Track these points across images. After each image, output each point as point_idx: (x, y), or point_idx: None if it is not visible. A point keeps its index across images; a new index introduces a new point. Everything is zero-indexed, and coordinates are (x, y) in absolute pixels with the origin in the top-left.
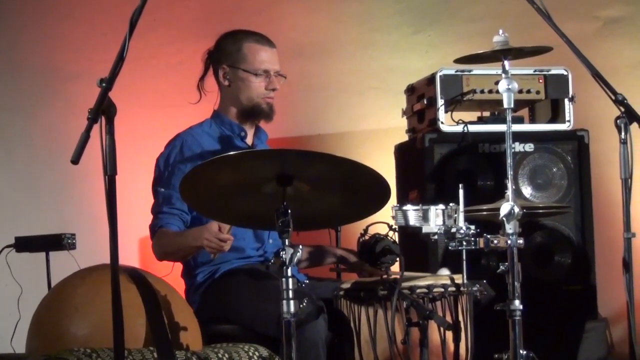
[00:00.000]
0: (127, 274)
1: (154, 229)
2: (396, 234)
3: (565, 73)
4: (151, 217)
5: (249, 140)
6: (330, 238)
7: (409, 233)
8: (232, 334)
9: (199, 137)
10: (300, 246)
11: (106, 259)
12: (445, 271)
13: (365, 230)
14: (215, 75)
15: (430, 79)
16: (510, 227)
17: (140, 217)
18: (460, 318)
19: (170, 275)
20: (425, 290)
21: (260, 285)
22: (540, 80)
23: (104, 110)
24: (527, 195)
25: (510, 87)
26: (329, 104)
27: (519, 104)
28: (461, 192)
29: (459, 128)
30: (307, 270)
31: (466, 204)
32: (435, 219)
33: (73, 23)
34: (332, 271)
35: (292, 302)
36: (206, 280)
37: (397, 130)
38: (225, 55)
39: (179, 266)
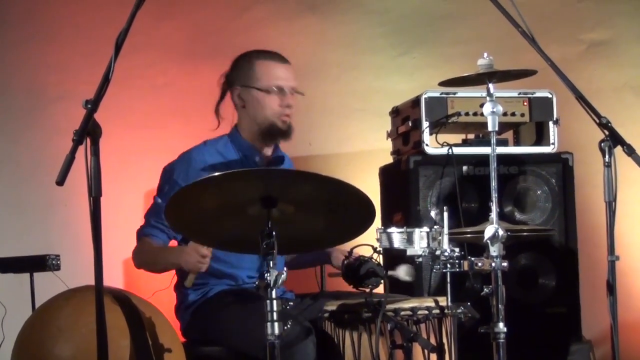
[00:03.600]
0: (111, 295)
1: (140, 235)
2: (380, 256)
3: (550, 96)
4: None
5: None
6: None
7: (393, 255)
8: (219, 356)
9: (208, 156)
10: (285, 269)
11: (91, 280)
12: (404, 269)
13: (350, 253)
14: (231, 97)
15: (415, 101)
16: (494, 250)
17: (125, 238)
18: (445, 340)
19: (153, 297)
20: (409, 312)
21: (251, 307)
22: (525, 103)
23: (89, 131)
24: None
25: (494, 109)
26: (313, 126)
27: (503, 127)
28: (445, 214)
29: (443, 150)
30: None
31: (450, 227)
32: (419, 242)
33: (58, 45)
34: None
35: (276, 324)
36: (198, 299)
37: (382, 152)
38: (239, 76)
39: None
